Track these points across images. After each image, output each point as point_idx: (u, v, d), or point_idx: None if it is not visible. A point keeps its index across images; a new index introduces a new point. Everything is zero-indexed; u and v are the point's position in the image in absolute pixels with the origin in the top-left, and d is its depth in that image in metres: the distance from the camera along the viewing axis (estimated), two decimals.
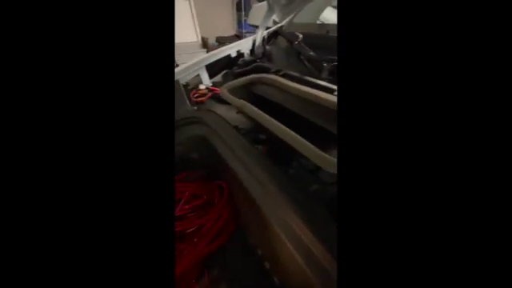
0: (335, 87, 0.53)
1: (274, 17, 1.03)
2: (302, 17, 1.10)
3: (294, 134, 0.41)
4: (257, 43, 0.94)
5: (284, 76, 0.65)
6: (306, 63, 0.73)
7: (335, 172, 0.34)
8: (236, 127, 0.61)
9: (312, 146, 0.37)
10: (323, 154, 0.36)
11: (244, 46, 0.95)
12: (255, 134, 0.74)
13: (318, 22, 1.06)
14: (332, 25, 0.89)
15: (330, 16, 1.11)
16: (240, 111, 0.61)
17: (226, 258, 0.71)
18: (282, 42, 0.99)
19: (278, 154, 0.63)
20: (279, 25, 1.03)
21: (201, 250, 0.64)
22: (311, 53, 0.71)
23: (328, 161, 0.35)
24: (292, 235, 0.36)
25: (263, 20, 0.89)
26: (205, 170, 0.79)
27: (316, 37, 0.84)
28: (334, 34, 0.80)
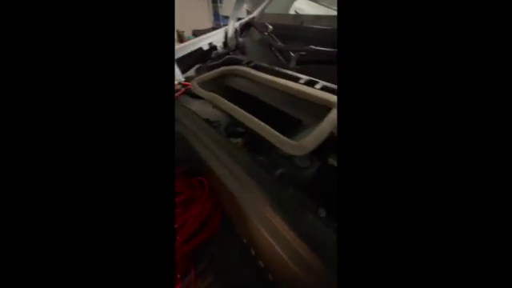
0: (300, 76, 0.55)
1: (248, 8, 1.02)
2: (276, 7, 1.10)
3: (257, 120, 0.43)
4: (229, 35, 0.93)
5: (254, 67, 0.66)
6: (278, 54, 0.75)
7: (294, 154, 0.36)
8: (207, 120, 0.61)
9: (273, 131, 0.39)
10: (283, 137, 0.38)
11: (216, 38, 0.93)
12: (234, 126, 0.74)
13: (293, 12, 1.07)
14: (306, 15, 0.90)
15: (304, 7, 1.12)
16: (212, 104, 0.61)
17: (213, 251, 0.72)
18: (255, 33, 0.99)
19: (255, 145, 0.64)
20: (251, 16, 1.02)
21: (184, 247, 0.65)
22: (279, 43, 0.72)
23: (288, 143, 0.37)
24: (266, 223, 0.38)
25: (233, 11, 0.88)
26: (183, 166, 0.78)
27: (290, 28, 0.85)
28: (308, 24, 0.82)
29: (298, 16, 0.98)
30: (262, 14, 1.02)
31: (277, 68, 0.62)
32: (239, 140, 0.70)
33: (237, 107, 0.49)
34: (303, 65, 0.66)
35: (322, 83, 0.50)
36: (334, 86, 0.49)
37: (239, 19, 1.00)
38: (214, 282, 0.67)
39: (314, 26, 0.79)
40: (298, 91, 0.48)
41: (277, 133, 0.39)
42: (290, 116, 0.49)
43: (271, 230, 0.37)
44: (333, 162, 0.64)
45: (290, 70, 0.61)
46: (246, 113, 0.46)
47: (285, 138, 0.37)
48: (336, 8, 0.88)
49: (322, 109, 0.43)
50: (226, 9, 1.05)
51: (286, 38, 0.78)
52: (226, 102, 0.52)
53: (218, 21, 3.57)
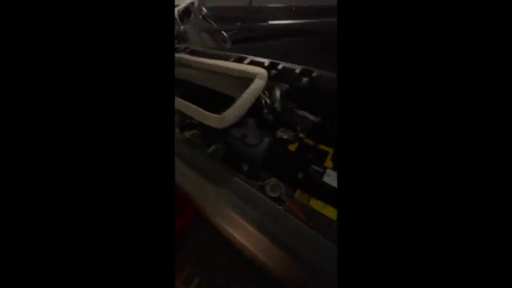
0: (231, 54, 0.55)
1: None
2: None
3: (184, 102, 0.43)
4: None
5: (190, 53, 0.64)
6: (215, 36, 0.73)
7: (218, 126, 0.37)
8: None
9: (199, 109, 0.40)
10: (207, 113, 0.39)
11: None
12: (190, 119, 0.72)
13: None
14: None
15: None
16: None
17: (190, 242, 0.73)
18: (196, 19, 0.95)
19: (210, 132, 0.64)
20: (189, 1, 0.97)
21: None
22: (212, 25, 0.71)
23: (211, 117, 0.38)
24: (222, 211, 0.37)
25: None
26: None
27: (237, 9, 0.82)
28: (256, 3, 0.80)
29: None
30: None
31: (212, 50, 0.61)
32: (194, 131, 0.69)
33: None
34: (240, 43, 0.67)
35: (250, 58, 0.51)
36: (262, 59, 0.50)
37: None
38: (194, 272, 0.69)
39: (264, 5, 0.79)
40: (227, 68, 0.48)
41: (201, 110, 0.39)
42: (224, 94, 0.50)
43: (227, 218, 0.35)
44: (281, 134, 0.68)
45: (227, 50, 0.61)
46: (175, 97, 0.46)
47: (208, 113, 0.38)
48: None
49: (249, 82, 0.45)
50: None
51: (231, 20, 0.76)
52: None
53: None
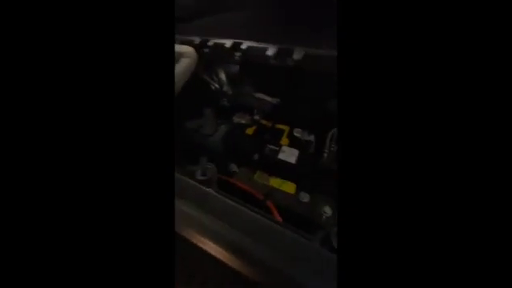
0: None
1: None
2: None
3: None
4: None
5: None
6: None
7: None
8: None
9: None
10: None
11: None
12: None
13: None
14: None
15: None
16: None
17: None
18: None
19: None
20: None
21: None
22: None
23: None
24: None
25: None
26: None
27: None
28: None
29: None
30: None
31: None
32: None
33: None
34: (185, 22, 0.60)
35: (180, 38, 0.47)
36: (193, 38, 0.46)
37: None
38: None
39: None
40: None
41: None
42: None
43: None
44: (238, 120, 0.65)
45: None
46: None
47: None
48: None
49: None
50: None
51: None
52: None
53: None
